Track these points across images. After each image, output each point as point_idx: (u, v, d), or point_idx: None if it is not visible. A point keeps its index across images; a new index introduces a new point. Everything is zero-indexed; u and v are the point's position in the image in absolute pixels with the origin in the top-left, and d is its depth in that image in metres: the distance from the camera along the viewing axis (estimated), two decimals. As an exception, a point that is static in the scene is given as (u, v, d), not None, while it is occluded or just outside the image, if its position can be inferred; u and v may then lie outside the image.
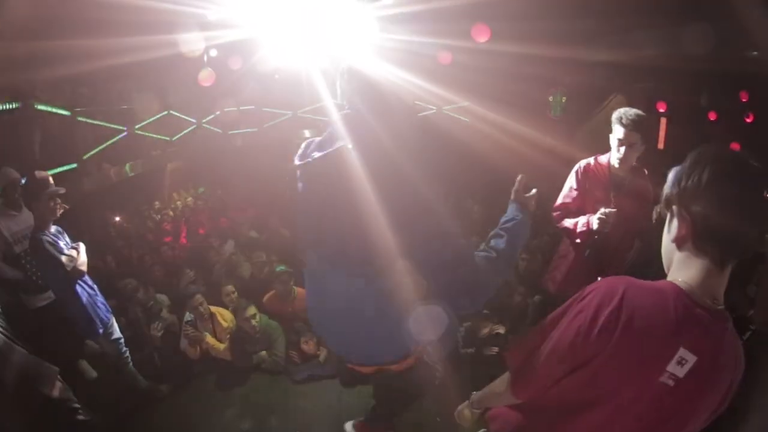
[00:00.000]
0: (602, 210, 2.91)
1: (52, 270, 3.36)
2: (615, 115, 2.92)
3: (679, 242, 1.21)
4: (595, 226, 2.92)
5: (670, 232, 1.24)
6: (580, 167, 3.20)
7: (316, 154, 1.77)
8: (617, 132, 2.92)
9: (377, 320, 1.87)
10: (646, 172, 3.10)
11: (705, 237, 1.15)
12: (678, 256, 1.24)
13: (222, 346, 4.23)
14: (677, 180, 1.19)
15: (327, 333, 2.20)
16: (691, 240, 1.18)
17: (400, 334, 1.87)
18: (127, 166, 8.75)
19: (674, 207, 1.20)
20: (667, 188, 1.22)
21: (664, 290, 1.20)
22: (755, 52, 7.73)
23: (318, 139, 1.85)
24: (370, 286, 1.77)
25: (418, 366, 2.24)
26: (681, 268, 1.23)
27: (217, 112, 12.47)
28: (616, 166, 3.01)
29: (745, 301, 3.56)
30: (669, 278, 1.25)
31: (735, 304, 3.18)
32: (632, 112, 2.85)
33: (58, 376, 3.02)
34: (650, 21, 8.24)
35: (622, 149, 2.91)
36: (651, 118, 2.73)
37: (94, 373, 4.26)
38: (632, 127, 2.83)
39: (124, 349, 3.88)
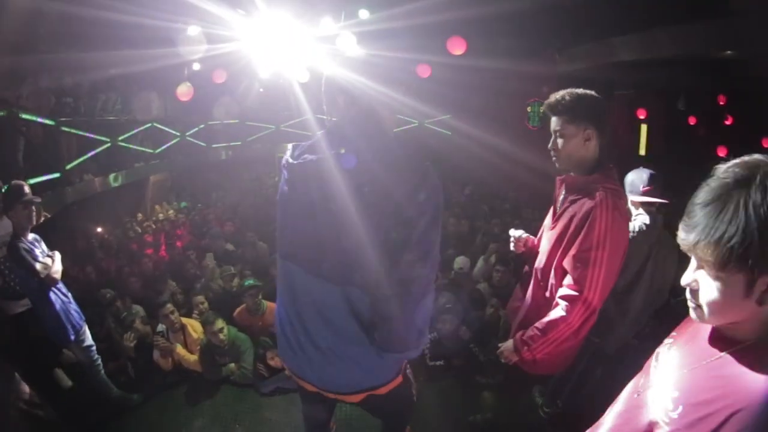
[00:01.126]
0: (511, 231, 2.77)
1: (26, 276, 3.48)
2: None
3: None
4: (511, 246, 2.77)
5: (730, 287, 0.95)
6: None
7: (309, 157, 1.72)
8: None
9: (361, 338, 1.75)
10: (602, 194, 2.10)
11: None
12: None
13: (193, 358, 4.32)
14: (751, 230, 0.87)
15: (301, 358, 1.88)
16: None
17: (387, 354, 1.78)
18: (111, 177, 8.84)
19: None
20: (735, 242, 0.88)
21: None
22: (729, 52, 7.83)
23: (308, 142, 1.80)
24: (351, 300, 1.69)
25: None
26: None
27: (201, 125, 12.53)
28: (557, 166, 2.35)
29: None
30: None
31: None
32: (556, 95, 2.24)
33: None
34: (624, 27, 8.39)
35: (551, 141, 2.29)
36: (586, 99, 2.16)
37: (69, 382, 4.29)
38: (548, 110, 2.25)
39: (96, 356, 3.96)
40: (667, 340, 1.32)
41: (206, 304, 4.95)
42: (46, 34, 7.43)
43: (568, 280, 2.18)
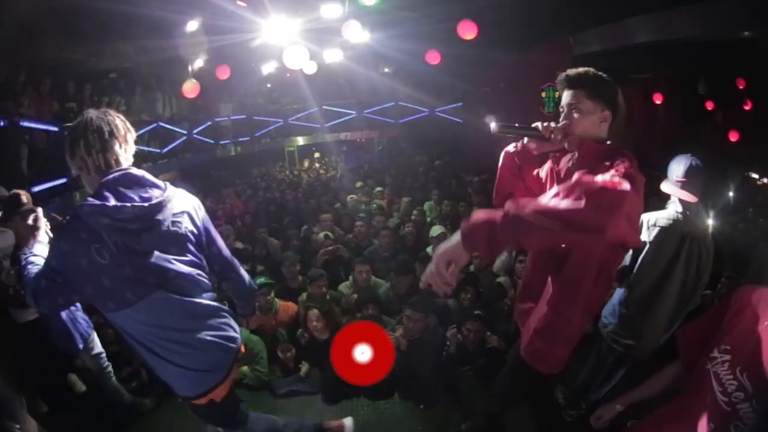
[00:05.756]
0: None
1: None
2: None
3: None
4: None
5: None
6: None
7: (140, 201, 1.87)
8: None
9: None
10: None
11: None
12: None
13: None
14: None
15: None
16: None
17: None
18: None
19: None
20: None
21: None
22: (747, 33, 7.53)
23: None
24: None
25: None
26: None
27: (208, 123, 12.49)
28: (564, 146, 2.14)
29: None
30: None
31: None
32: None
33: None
34: (641, 6, 8.14)
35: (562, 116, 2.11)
36: (608, 82, 2.05)
37: (83, 387, 4.24)
38: (566, 83, 2.09)
39: (106, 363, 3.88)
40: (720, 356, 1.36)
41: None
42: (46, 27, 7.33)
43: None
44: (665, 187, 2.79)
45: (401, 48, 9.48)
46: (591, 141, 2.05)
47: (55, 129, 7.23)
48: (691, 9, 7.25)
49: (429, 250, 5.78)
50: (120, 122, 1.96)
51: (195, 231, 2.12)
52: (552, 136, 2.09)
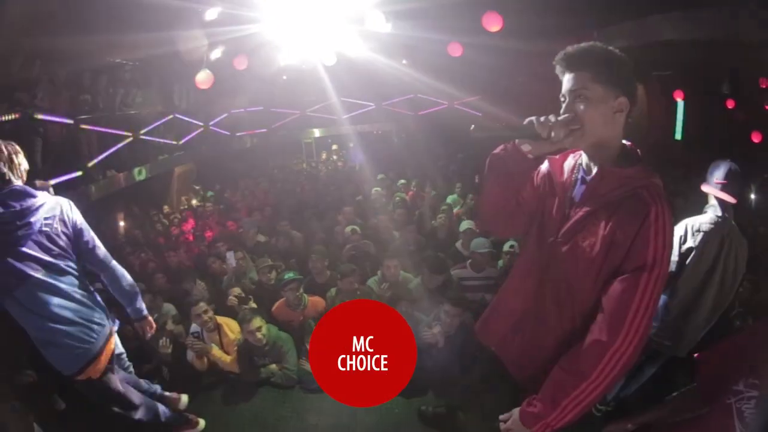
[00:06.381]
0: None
1: None
2: None
3: None
4: None
5: None
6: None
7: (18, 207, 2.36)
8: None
9: None
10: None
11: None
12: None
13: (229, 359, 4.05)
14: None
15: None
16: None
17: None
18: (135, 171, 8.68)
19: None
20: None
21: None
22: None
23: None
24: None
25: None
26: None
27: (225, 114, 12.36)
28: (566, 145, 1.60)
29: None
30: None
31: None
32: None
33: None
34: (667, 5, 7.93)
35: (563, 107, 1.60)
36: (621, 58, 1.54)
37: None
38: (565, 62, 1.58)
39: (127, 364, 3.69)
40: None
41: (241, 298, 4.71)
42: (59, 18, 7.19)
43: (598, 319, 1.54)
44: (706, 188, 2.90)
45: (422, 38, 9.22)
46: (610, 152, 1.60)
47: (70, 122, 7.12)
48: (719, 8, 7.11)
49: (458, 245, 5.65)
50: (3, 148, 2.40)
51: (66, 230, 2.57)
52: (552, 133, 1.53)
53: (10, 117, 5.85)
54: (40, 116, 6.40)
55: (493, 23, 7.27)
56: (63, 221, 2.57)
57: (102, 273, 2.88)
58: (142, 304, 3.09)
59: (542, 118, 1.55)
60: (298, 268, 5.23)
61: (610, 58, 1.53)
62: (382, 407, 3.58)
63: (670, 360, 3.07)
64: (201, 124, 11.49)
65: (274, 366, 4.00)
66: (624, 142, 1.63)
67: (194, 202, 11.27)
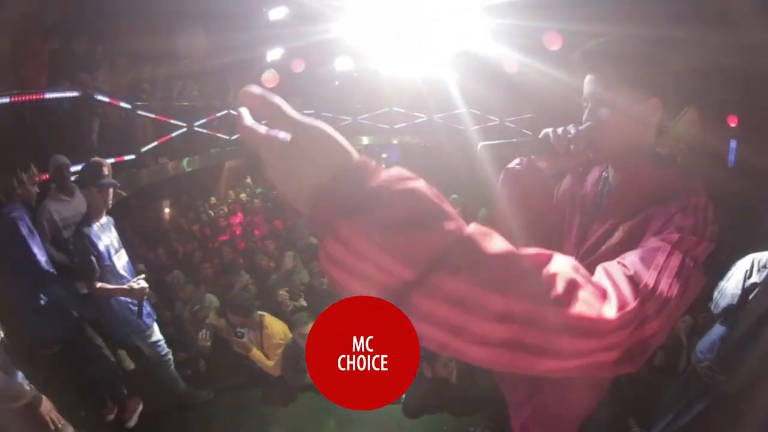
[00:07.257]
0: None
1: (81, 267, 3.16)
2: None
3: None
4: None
5: None
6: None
7: None
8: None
9: None
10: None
11: None
12: None
13: (270, 363, 3.85)
14: None
15: None
16: None
17: None
18: (185, 161, 8.71)
19: None
20: None
21: None
22: None
23: None
24: None
25: None
26: None
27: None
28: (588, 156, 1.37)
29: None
30: None
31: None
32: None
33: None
34: (727, 27, 7.55)
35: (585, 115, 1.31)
36: (651, 52, 1.26)
37: (131, 364, 4.10)
38: (585, 60, 1.30)
39: (165, 351, 3.59)
40: None
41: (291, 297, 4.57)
42: (122, 10, 7.33)
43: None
44: None
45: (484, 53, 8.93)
46: (641, 158, 1.27)
47: (128, 106, 7.17)
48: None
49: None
50: None
51: None
52: (571, 147, 1.28)
53: (71, 95, 5.85)
54: (100, 97, 6.43)
55: (554, 43, 6.97)
56: None
57: None
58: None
59: (560, 130, 1.29)
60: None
61: (638, 53, 1.25)
62: (430, 424, 3.36)
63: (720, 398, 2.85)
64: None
65: (306, 369, 3.76)
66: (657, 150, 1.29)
67: (243, 196, 11.30)
